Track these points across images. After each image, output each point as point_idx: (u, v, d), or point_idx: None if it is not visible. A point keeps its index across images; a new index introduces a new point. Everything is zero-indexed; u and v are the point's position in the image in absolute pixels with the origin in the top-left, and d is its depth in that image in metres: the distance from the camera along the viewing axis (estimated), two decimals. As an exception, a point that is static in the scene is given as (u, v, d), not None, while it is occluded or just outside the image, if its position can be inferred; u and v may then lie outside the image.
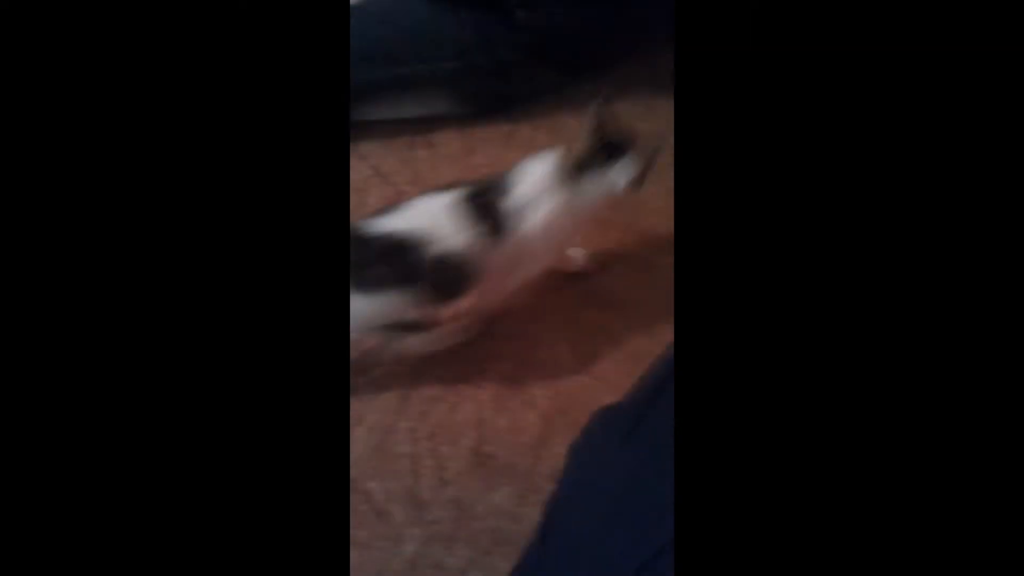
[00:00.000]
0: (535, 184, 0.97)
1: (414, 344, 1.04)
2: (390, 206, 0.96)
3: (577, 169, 0.97)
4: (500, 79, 1.33)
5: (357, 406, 1.02)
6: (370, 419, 1.02)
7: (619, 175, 0.97)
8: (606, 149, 0.97)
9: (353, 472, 0.96)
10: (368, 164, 1.31)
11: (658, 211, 1.17)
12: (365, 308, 0.92)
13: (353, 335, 0.93)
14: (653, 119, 1.13)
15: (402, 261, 0.91)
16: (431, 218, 0.93)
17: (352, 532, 0.91)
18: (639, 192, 0.99)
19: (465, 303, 1.03)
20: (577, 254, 1.13)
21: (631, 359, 1.04)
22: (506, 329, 1.09)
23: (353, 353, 1.03)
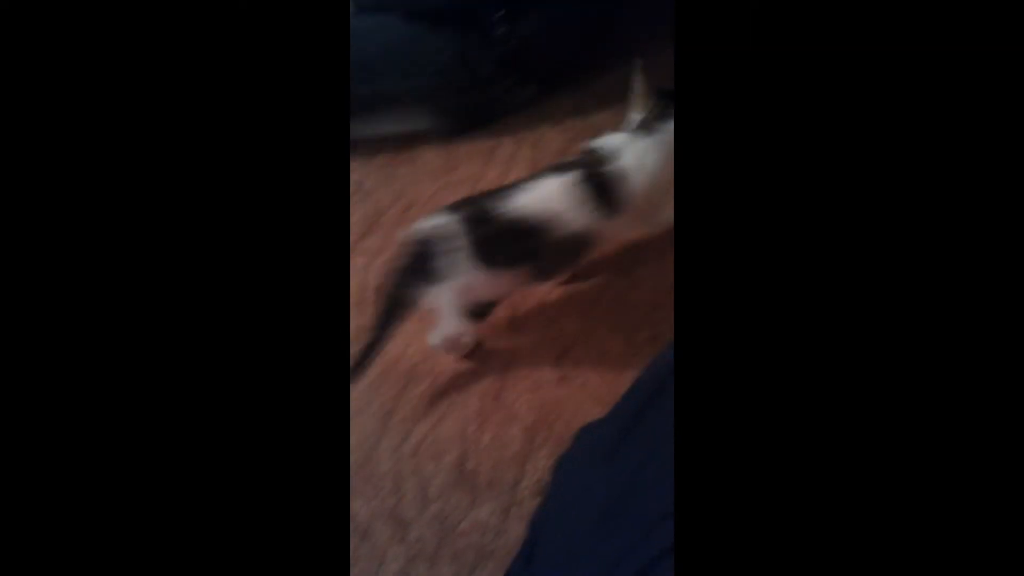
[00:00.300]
0: (626, 149, 1.01)
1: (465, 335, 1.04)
2: (507, 186, 0.98)
3: (647, 127, 1.02)
4: (480, 95, 1.34)
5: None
6: (353, 437, 1.01)
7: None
8: (663, 101, 1.02)
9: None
10: (350, 181, 1.30)
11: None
12: (485, 281, 0.95)
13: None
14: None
15: (523, 241, 0.95)
16: (551, 198, 0.96)
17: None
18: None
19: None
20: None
21: (613, 369, 1.04)
22: (488, 342, 1.09)
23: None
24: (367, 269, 1.18)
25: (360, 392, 1.04)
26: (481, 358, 1.07)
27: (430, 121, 1.35)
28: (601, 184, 0.98)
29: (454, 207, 0.95)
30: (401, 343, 1.06)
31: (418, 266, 0.94)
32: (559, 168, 1.00)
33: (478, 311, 1.02)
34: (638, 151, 1.00)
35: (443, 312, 1.00)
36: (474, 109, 1.35)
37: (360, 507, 0.95)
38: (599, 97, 1.34)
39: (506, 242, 0.94)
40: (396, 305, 0.96)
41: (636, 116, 1.03)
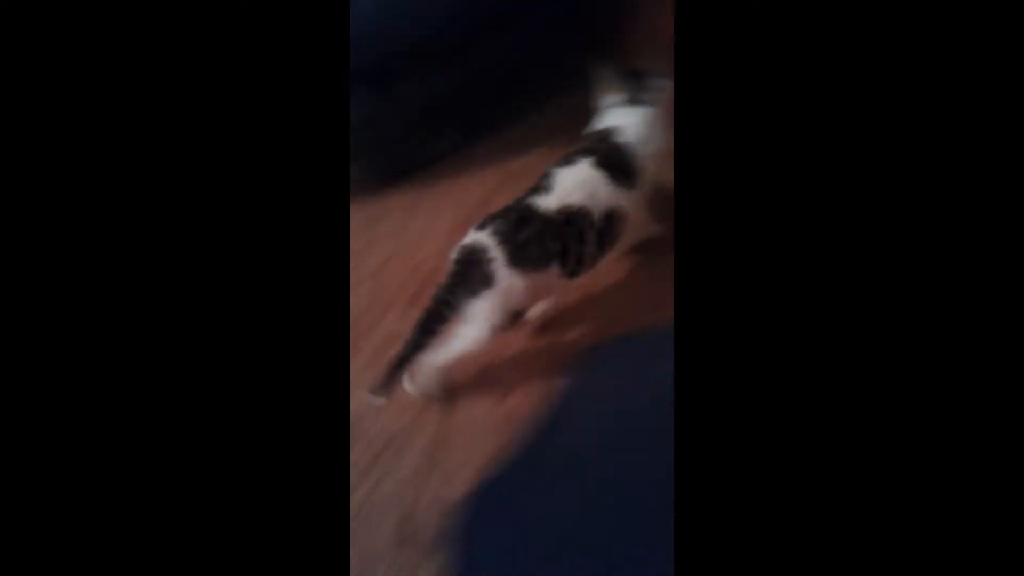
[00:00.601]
0: (625, 125, 1.07)
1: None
2: (530, 190, 1.00)
3: (635, 103, 1.09)
4: (399, 149, 1.33)
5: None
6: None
7: (659, 86, 1.10)
8: (632, 80, 1.10)
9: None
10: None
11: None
12: (524, 285, 0.95)
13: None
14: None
15: (561, 236, 0.97)
16: (579, 188, 0.99)
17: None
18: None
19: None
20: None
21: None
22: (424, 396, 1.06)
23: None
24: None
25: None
26: (419, 412, 1.04)
27: (351, 177, 1.34)
28: (616, 160, 1.03)
29: (490, 219, 0.97)
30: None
31: (461, 279, 0.94)
32: (569, 159, 1.03)
33: (505, 326, 1.02)
34: (637, 124, 1.07)
35: (477, 323, 0.98)
36: (392, 165, 1.34)
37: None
38: (518, 144, 1.36)
39: (543, 241, 0.96)
40: (434, 319, 0.95)
41: (612, 98, 1.10)
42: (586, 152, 1.04)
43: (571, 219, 0.97)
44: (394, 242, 1.27)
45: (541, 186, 1.00)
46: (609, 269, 1.17)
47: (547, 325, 1.13)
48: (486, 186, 1.32)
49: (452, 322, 0.96)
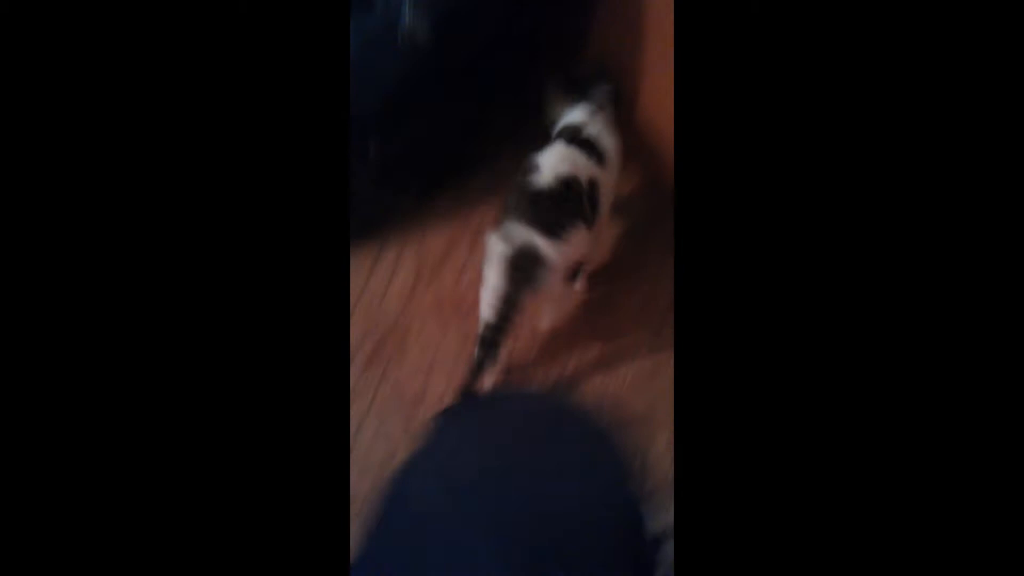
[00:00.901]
0: (588, 123, 1.17)
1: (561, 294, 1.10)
2: (523, 172, 1.07)
3: (600, 108, 1.20)
4: (360, 205, 1.34)
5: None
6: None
7: (603, 95, 1.22)
8: (578, 89, 1.22)
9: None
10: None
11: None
12: (567, 249, 1.03)
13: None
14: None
15: (567, 199, 1.04)
16: (562, 162, 1.08)
17: None
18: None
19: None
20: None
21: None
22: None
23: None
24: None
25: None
26: (382, 465, 1.05)
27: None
28: (586, 143, 1.12)
29: (502, 215, 1.04)
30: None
31: (522, 274, 1.00)
32: (544, 146, 1.12)
33: (573, 272, 1.11)
34: (597, 123, 1.17)
35: (548, 302, 1.10)
36: (354, 218, 1.34)
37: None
38: (477, 195, 1.39)
39: (558, 207, 1.03)
40: (500, 325, 1.01)
41: (566, 109, 1.21)
42: (560, 139, 1.13)
43: (568, 184, 1.05)
44: (357, 294, 1.28)
45: (529, 170, 1.07)
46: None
47: (512, 369, 1.16)
48: (447, 235, 1.35)
49: (516, 321, 1.03)
